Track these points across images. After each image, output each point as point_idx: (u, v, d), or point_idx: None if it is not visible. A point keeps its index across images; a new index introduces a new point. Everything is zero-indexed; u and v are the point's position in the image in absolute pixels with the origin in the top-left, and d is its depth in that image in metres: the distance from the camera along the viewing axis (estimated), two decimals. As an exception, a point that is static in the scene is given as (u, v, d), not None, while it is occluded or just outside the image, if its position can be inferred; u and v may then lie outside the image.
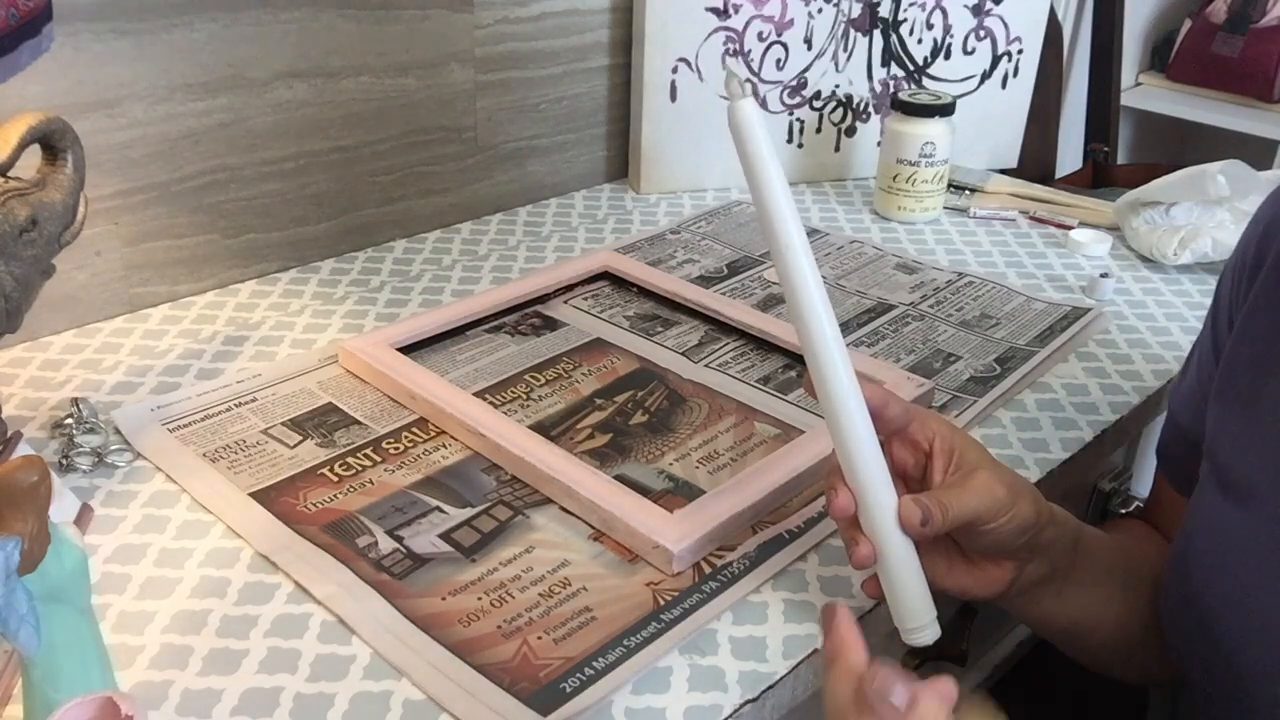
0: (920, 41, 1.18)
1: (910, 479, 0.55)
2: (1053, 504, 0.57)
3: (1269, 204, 0.58)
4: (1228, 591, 0.52)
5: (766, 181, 0.50)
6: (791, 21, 1.10)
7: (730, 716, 0.51)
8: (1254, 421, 0.54)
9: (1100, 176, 1.86)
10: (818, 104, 1.16)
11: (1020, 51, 1.21)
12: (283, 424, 0.71)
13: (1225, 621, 0.52)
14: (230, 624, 0.55)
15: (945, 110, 1.06)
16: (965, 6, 1.17)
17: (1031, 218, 1.11)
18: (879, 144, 1.12)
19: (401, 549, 0.60)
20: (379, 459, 0.68)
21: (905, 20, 1.16)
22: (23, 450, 0.65)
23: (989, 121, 1.23)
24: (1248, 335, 0.55)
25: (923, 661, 0.70)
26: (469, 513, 0.64)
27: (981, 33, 1.19)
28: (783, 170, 0.50)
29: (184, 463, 0.67)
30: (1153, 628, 0.60)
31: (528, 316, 0.87)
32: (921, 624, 0.52)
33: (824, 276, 0.95)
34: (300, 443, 0.69)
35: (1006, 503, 0.52)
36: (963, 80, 1.21)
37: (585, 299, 0.90)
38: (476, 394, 0.75)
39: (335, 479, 0.66)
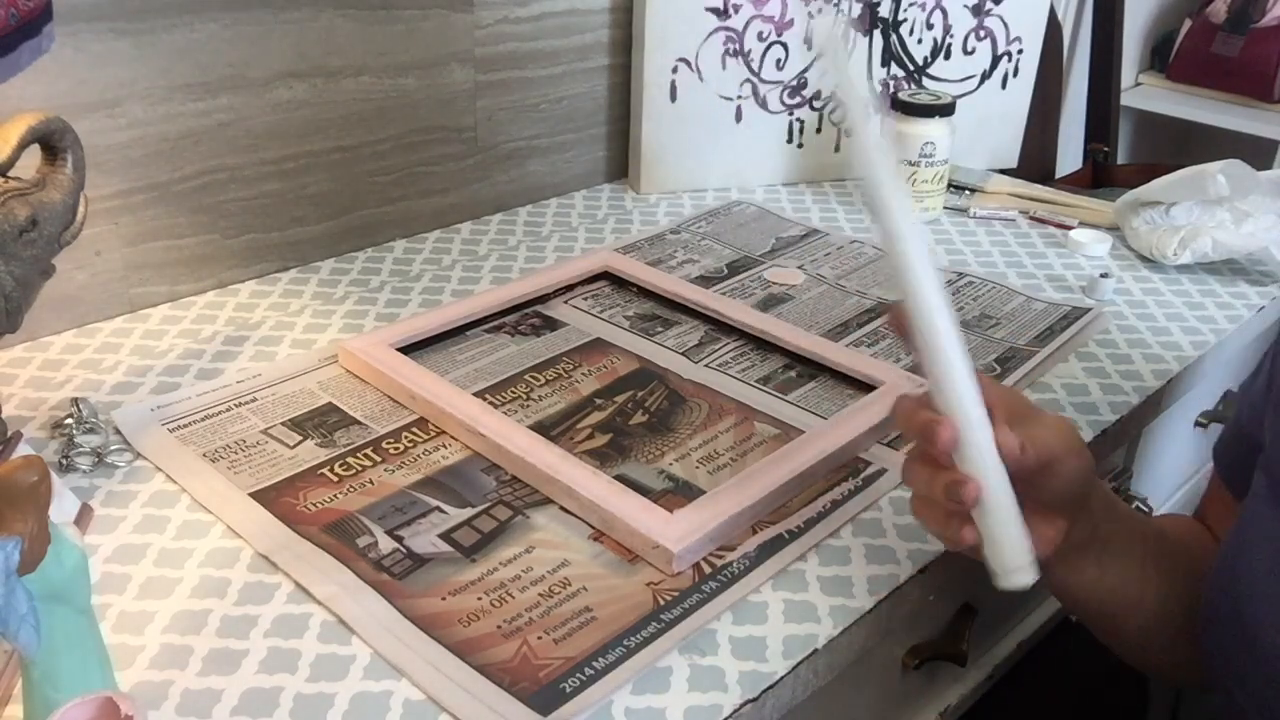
0: (920, 41, 1.18)
1: None
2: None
3: None
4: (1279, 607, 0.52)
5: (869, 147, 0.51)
6: (791, 21, 1.10)
7: (730, 716, 0.51)
8: None
9: (1100, 176, 1.86)
10: (818, 104, 1.16)
11: (1020, 51, 1.21)
12: (283, 424, 0.71)
13: (1271, 636, 0.52)
14: (230, 624, 0.55)
15: (945, 110, 1.06)
16: (965, 6, 1.17)
17: (1031, 218, 1.11)
18: (879, 144, 1.12)
19: (401, 549, 0.60)
20: (379, 459, 0.68)
21: (905, 20, 1.16)
22: (23, 450, 0.65)
23: (989, 121, 1.23)
24: None
25: (922, 661, 0.70)
26: (469, 513, 0.64)
27: (981, 33, 1.19)
28: (886, 148, 0.51)
29: (184, 463, 0.67)
30: (1191, 618, 0.59)
31: (528, 316, 0.87)
32: (1024, 562, 0.51)
33: (823, 276, 0.95)
34: (300, 443, 0.69)
35: (1077, 442, 0.53)
36: (963, 80, 1.21)
37: (585, 299, 0.90)
38: (476, 394, 0.75)
39: (335, 479, 0.66)
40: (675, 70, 1.08)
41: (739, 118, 1.12)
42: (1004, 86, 1.22)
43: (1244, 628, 0.53)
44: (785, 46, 1.11)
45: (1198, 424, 1.04)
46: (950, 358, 0.51)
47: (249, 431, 0.70)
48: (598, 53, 1.09)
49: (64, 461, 0.67)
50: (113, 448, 0.68)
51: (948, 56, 1.19)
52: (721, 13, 1.07)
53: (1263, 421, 0.58)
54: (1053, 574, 0.58)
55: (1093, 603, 0.61)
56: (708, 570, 0.60)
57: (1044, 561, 0.55)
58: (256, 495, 0.64)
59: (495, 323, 0.85)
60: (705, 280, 0.93)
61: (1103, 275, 0.94)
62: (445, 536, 0.62)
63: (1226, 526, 0.61)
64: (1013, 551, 0.51)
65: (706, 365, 0.81)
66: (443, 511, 0.64)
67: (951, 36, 1.18)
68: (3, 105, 0.70)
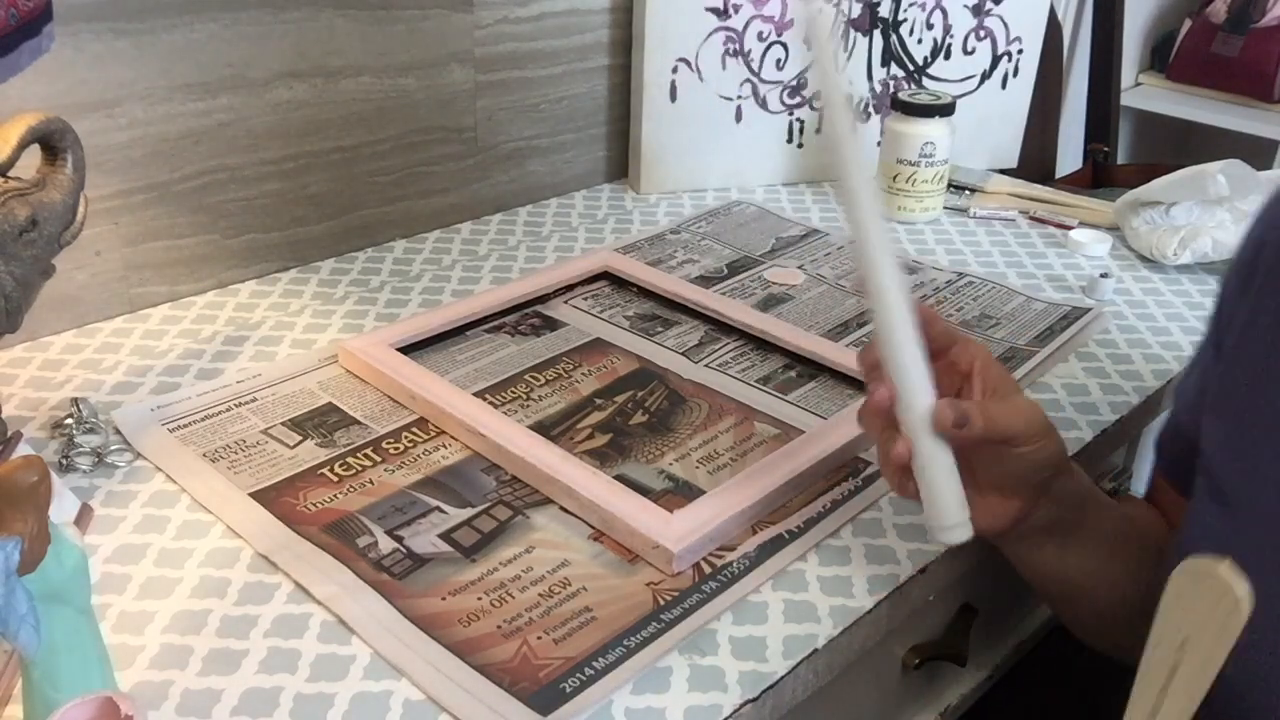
0: (920, 41, 1.17)
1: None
2: (1073, 463, 0.58)
3: (1265, 208, 0.58)
4: None
5: (827, 70, 0.53)
6: (791, 21, 1.10)
7: (730, 716, 0.51)
8: (1252, 434, 0.54)
9: (1100, 176, 1.86)
10: (818, 104, 1.16)
11: (1020, 51, 1.21)
12: (283, 424, 0.71)
13: None
14: (230, 624, 0.55)
15: (945, 110, 1.06)
16: (965, 6, 1.17)
17: (1031, 218, 1.11)
18: (879, 144, 1.13)
19: (401, 549, 0.60)
20: (379, 459, 0.68)
21: (905, 20, 1.16)
22: (23, 450, 0.65)
23: (989, 121, 1.23)
24: (1246, 349, 0.55)
25: (923, 661, 0.70)
26: (469, 513, 0.64)
27: (981, 33, 1.19)
28: (842, 63, 0.53)
29: (184, 463, 0.67)
30: (1147, 604, 0.60)
31: (528, 316, 0.87)
32: (954, 522, 0.53)
33: (823, 276, 0.95)
34: (300, 443, 0.69)
35: (1041, 430, 0.53)
36: (963, 80, 1.21)
37: (585, 299, 0.90)
38: (476, 394, 0.75)
39: (335, 479, 0.66)
40: (675, 70, 1.08)
41: (739, 118, 1.12)
42: (1004, 86, 1.22)
43: None
44: (785, 46, 1.11)
45: (1198, 424, 1.04)
46: (893, 326, 0.53)
47: (249, 431, 0.70)
48: (598, 53, 1.09)
49: (64, 461, 0.67)
50: (113, 448, 0.68)
51: (948, 56, 1.19)
52: (721, 13, 1.07)
53: (1199, 423, 0.59)
54: (1009, 548, 0.60)
55: (1048, 582, 0.62)
56: (708, 570, 0.60)
57: (998, 535, 0.57)
58: (256, 495, 0.64)
59: (495, 323, 0.85)
60: (705, 280, 0.93)
61: (1103, 275, 0.94)
62: (445, 536, 0.62)
63: (1172, 515, 0.62)
64: (944, 511, 0.53)
65: (706, 365, 0.81)
66: (443, 511, 0.64)
67: (951, 36, 1.18)
68: (3, 105, 0.70)
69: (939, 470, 0.53)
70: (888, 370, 0.54)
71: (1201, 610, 0.38)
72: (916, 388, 0.53)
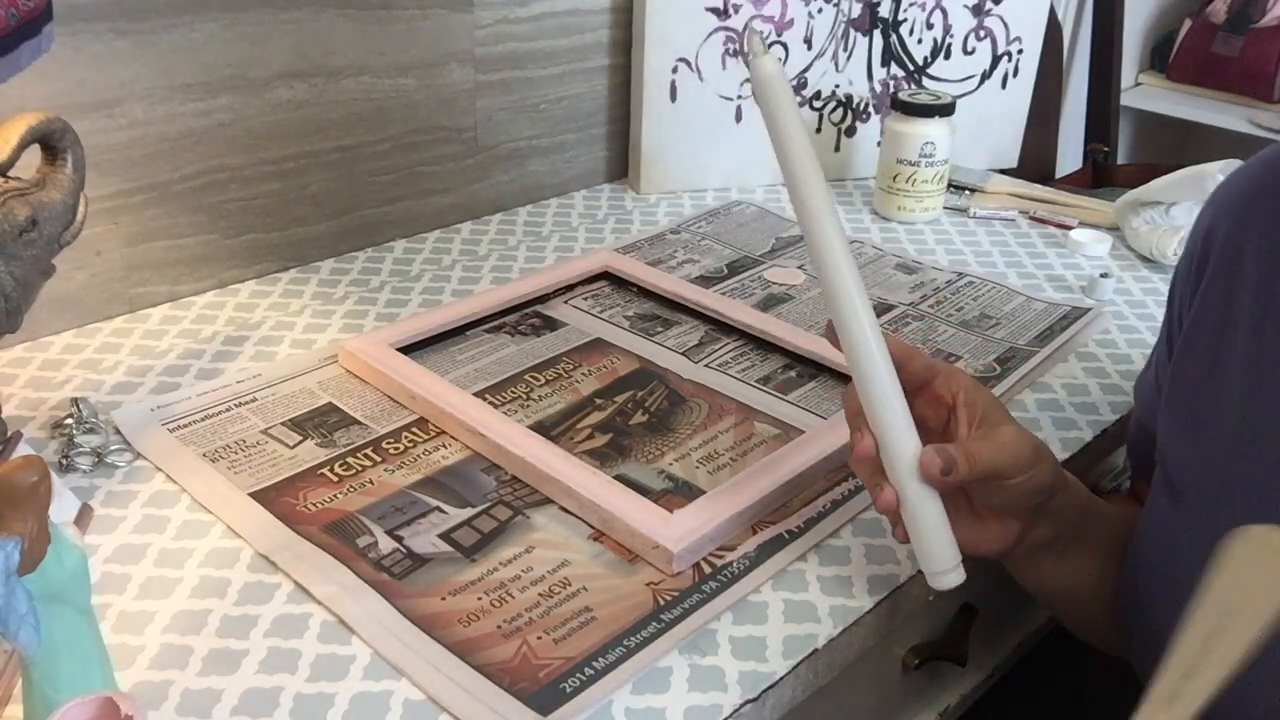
0: (920, 41, 1.18)
1: (933, 433, 0.55)
2: (1068, 474, 0.57)
3: (1213, 200, 0.58)
4: (1172, 601, 0.52)
5: (787, 131, 0.52)
6: (791, 21, 1.10)
7: (730, 716, 0.51)
8: (1201, 426, 0.54)
9: (1100, 176, 1.86)
10: (818, 104, 1.16)
11: (1020, 51, 1.21)
12: (283, 424, 0.71)
13: (1160, 619, 0.52)
14: (230, 624, 0.55)
15: (945, 110, 1.06)
16: (965, 6, 1.17)
17: (1031, 218, 1.11)
18: (879, 144, 1.13)
19: (401, 549, 0.60)
20: (379, 459, 0.68)
21: (905, 20, 1.16)
22: (23, 450, 0.65)
23: (989, 121, 1.23)
24: (1196, 342, 0.55)
25: (923, 662, 0.70)
26: (469, 513, 0.64)
27: (981, 33, 1.19)
28: (802, 119, 0.52)
29: (184, 463, 0.67)
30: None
31: (528, 316, 0.87)
32: (945, 568, 0.53)
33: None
34: (300, 443, 0.69)
35: (1030, 460, 0.53)
36: (963, 80, 1.21)
37: (585, 299, 0.90)
38: (476, 394, 0.75)
39: (335, 479, 0.66)
40: (675, 70, 1.08)
41: (739, 118, 1.12)
42: (1004, 86, 1.22)
43: (1147, 622, 0.54)
44: (785, 46, 1.11)
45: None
46: (870, 379, 0.52)
47: (249, 431, 0.70)
48: (598, 53, 1.09)
49: (64, 461, 0.66)
50: (113, 448, 0.68)
51: (948, 56, 1.19)
52: (721, 13, 1.07)
53: (1155, 416, 0.59)
54: (1010, 565, 0.60)
55: (1049, 592, 0.62)
56: (708, 570, 0.60)
57: (997, 555, 0.57)
58: (256, 495, 0.64)
59: (495, 323, 0.85)
60: (705, 280, 0.93)
61: (1103, 275, 0.94)
62: (445, 536, 0.62)
63: None
64: (933, 558, 0.53)
65: (706, 365, 0.81)
66: (443, 511, 0.64)
67: (951, 36, 1.18)
68: (3, 105, 0.70)
69: (926, 517, 0.53)
70: (870, 421, 0.53)
71: (1253, 577, 0.38)
72: (898, 438, 0.52)
